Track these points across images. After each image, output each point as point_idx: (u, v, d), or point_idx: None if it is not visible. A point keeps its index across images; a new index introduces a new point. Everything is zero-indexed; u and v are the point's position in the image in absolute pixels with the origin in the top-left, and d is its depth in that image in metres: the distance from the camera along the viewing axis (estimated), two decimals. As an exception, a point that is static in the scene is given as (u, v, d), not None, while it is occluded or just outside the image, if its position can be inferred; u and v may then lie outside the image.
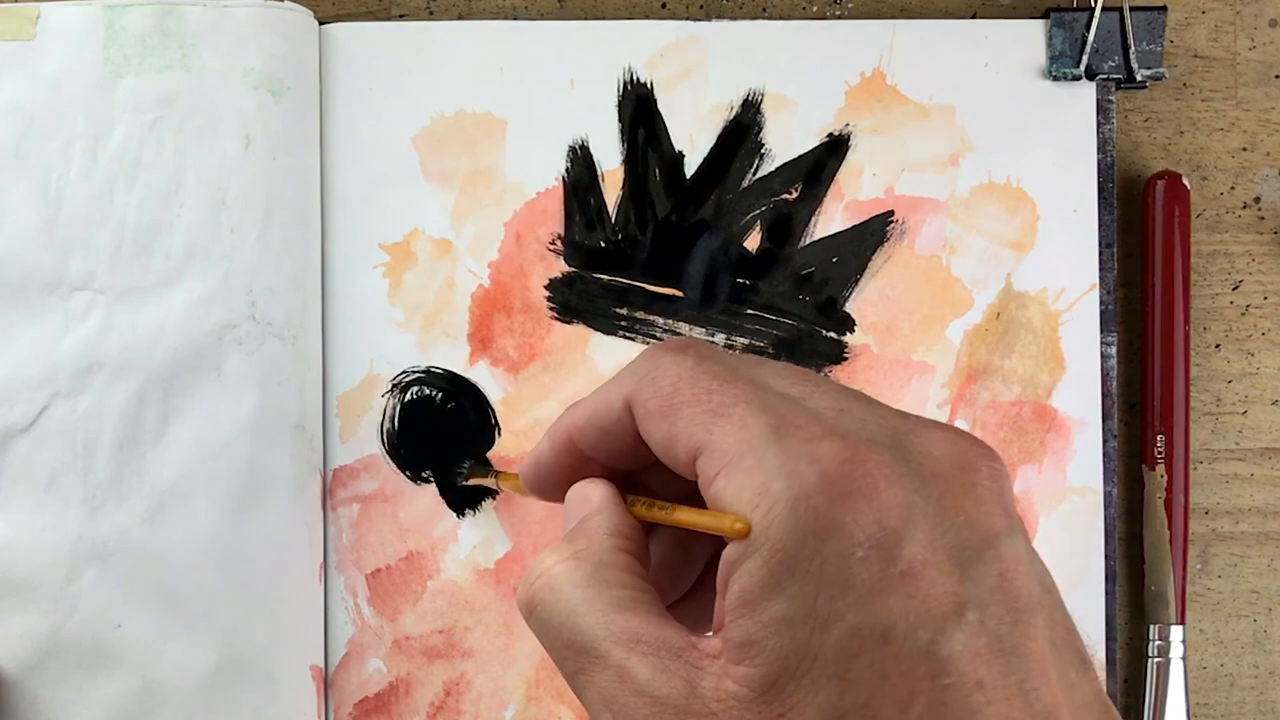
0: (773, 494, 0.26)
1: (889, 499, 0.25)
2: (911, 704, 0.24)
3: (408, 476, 0.48)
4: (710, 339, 0.49)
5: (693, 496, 0.28)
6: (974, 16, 0.50)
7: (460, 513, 0.48)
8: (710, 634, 0.27)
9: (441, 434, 0.49)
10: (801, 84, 0.49)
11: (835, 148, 0.49)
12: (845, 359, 0.49)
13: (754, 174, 0.49)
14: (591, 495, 0.31)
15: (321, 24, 0.48)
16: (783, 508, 0.25)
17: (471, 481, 0.48)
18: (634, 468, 0.31)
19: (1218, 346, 0.51)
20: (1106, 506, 0.49)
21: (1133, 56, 0.49)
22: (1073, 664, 0.26)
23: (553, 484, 0.32)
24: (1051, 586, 0.27)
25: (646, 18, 0.50)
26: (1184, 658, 0.50)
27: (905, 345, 0.49)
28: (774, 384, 0.28)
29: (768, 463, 0.26)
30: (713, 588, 0.27)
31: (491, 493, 0.49)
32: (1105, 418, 0.50)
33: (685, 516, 0.28)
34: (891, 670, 0.24)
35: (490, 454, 0.49)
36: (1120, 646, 0.50)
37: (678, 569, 0.32)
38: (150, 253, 0.46)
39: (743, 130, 0.49)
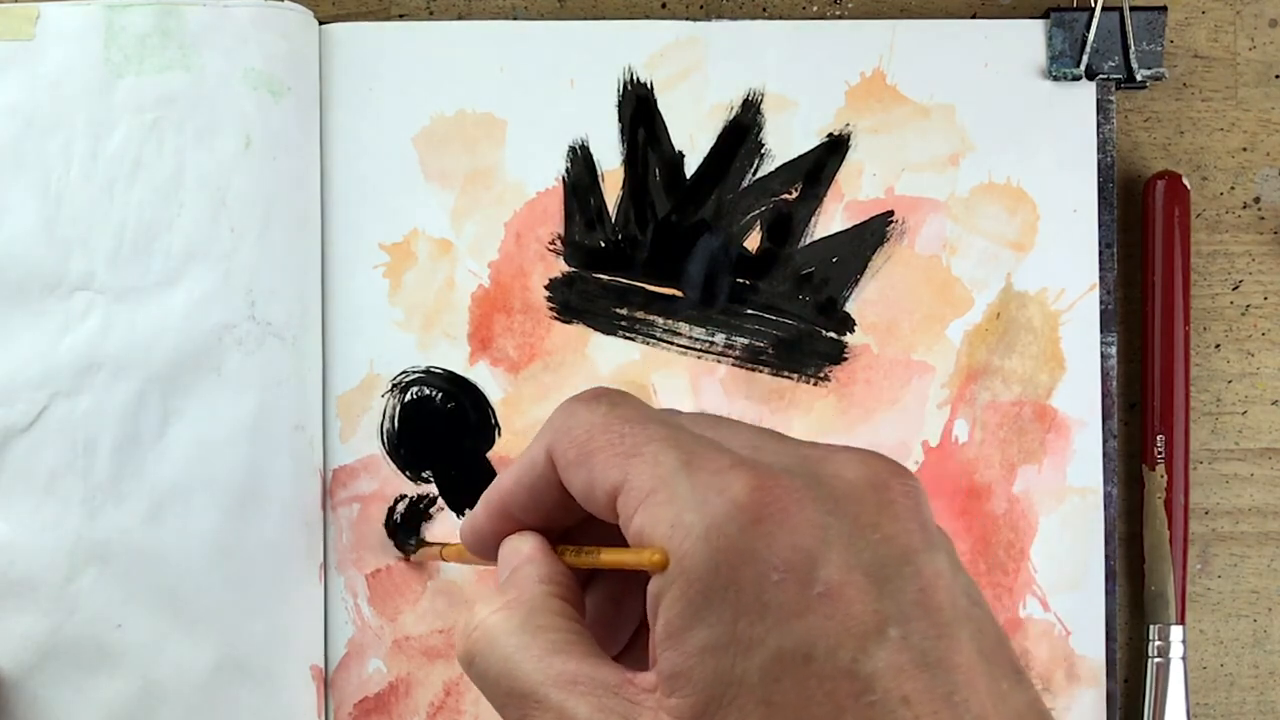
0: (685, 525, 0.26)
1: (801, 522, 0.26)
2: None
3: (408, 476, 0.48)
4: (710, 339, 0.49)
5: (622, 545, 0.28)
6: (974, 16, 0.50)
7: (461, 512, 0.48)
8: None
9: (441, 434, 0.48)
10: (801, 84, 0.49)
11: (835, 148, 0.49)
12: (845, 359, 0.49)
13: (754, 174, 0.49)
14: (521, 547, 0.32)
15: (321, 24, 0.48)
16: (696, 538, 0.26)
17: (417, 558, 0.48)
18: (565, 524, 0.32)
19: (1218, 346, 0.51)
20: (1106, 506, 0.49)
21: (1133, 56, 0.49)
22: (1004, 675, 0.26)
23: (491, 548, 0.33)
24: (979, 599, 0.27)
25: (646, 18, 0.49)
26: (1184, 658, 0.50)
27: (905, 345, 0.49)
28: (688, 425, 0.29)
29: (680, 495, 0.26)
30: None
31: None
32: (1105, 418, 0.49)
33: (608, 557, 0.29)
34: (816, 691, 0.25)
35: (490, 454, 0.48)
36: (1120, 646, 0.50)
37: (615, 621, 0.33)
38: (150, 253, 0.46)
39: (743, 130, 0.49)
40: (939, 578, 0.26)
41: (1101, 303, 0.49)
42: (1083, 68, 0.48)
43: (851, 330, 0.49)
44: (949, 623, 0.25)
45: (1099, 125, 0.49)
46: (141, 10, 0.46)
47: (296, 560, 0.47)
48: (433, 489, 0.48)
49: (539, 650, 0.28)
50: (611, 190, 0.49)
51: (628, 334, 0.49)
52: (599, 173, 0.49)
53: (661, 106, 0.49)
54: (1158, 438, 0.50)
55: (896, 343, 0.49)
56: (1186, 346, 0.50)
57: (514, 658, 0.28)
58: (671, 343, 0.49)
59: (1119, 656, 0.50)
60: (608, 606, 0.33)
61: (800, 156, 0.49)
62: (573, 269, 0.49)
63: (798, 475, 0.27)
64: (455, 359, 0.49)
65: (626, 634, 0.33)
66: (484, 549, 0.33)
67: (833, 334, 0.49)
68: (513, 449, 0.49)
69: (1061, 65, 0.48)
